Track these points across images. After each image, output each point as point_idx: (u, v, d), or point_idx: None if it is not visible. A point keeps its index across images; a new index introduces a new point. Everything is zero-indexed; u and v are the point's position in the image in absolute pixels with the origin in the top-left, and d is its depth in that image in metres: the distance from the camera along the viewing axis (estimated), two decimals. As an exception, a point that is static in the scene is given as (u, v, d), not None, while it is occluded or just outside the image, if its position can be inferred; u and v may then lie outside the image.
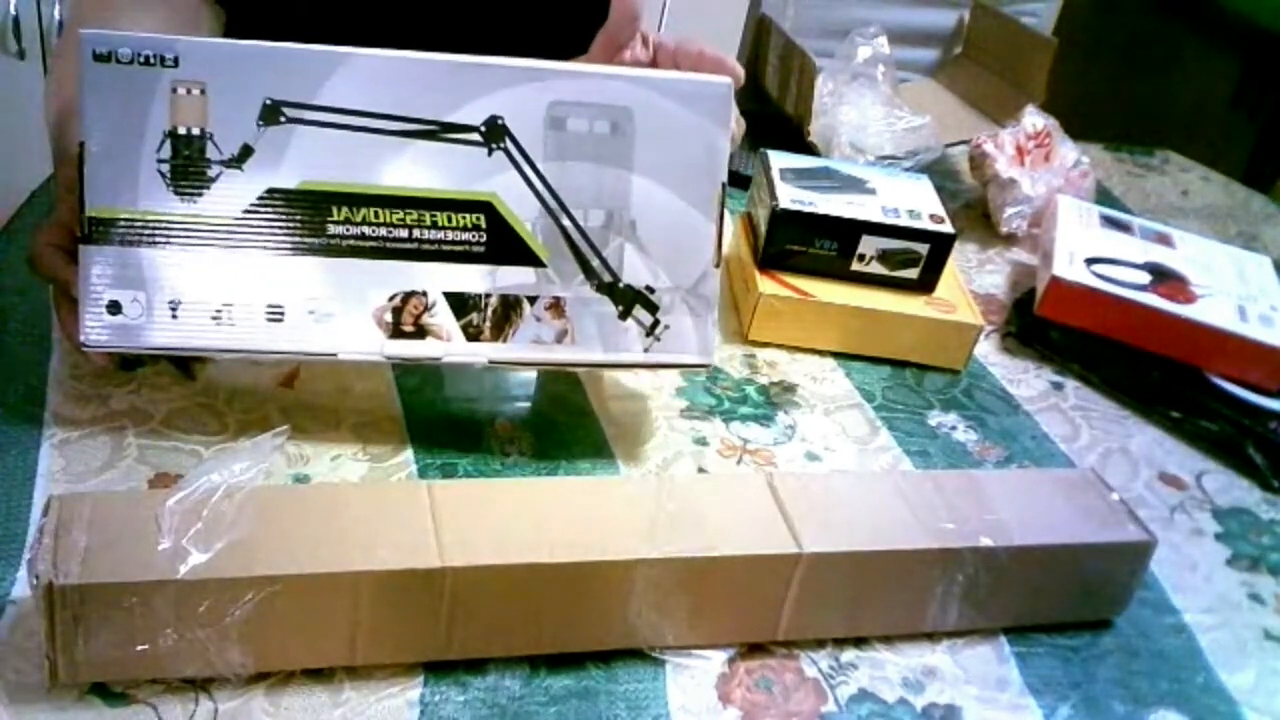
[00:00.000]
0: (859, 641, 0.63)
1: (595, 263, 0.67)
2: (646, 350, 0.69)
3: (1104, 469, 0.81)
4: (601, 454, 0.73)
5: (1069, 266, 0.93)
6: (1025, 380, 0.90)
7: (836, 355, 0.88)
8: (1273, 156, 2.24)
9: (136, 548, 0.52)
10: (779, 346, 0.88)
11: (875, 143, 1.15)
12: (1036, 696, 0.62)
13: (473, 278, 0.66)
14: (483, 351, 0.67)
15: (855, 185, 0.92)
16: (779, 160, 0.94)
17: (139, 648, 0.52)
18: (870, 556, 0.61)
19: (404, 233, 0.65)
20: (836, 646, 0.63)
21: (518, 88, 0.65)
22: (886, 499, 0.64)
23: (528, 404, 0.77)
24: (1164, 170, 1.37)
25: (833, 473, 0.76)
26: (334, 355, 0.66)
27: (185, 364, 0.74)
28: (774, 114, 1.25)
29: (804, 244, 0.88)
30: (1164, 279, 0.94)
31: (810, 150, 1.15)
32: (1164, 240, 1.01)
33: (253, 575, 0.52)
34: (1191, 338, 0.89)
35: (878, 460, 0.78)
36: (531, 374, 0.80)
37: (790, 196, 0.89)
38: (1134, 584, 0.67)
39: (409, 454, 0.70)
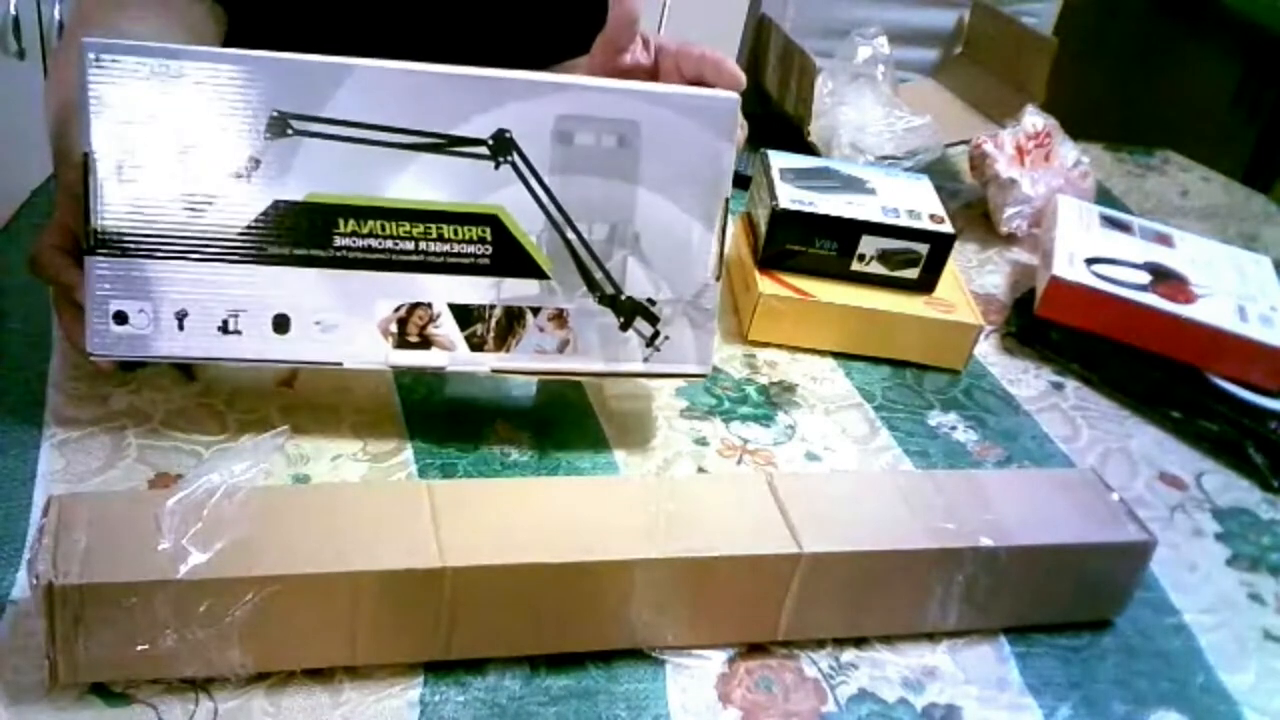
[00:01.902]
0: (859, 641, 0.63)
1: (598, 275, 0.67)
2: (646, 360, 0.69)
3: (1104, 469, 0.81)
4: (601, 454, 0.73)
5: (1069, 266, 0.93)
6: (1025, 380, 0.90)
7: (836, 355, 0.88)
8: (1273, 156, 2.24)
9: (136, 548, 0.52)
10: (779, 346, 0.88)
11: (875, 143, 1.15)
12: (1036, 696, 0.62)
13: (477, 289, 0.66)
14: (486, 361, 0.67)
15: (855, 185, 0.92)
16: (779, 160, 0.94)
17: (139, 648, 0.52)
18: (870, 556, 0.61)
19: (410, 245, 0.65)
20: (836, 646, 0.63)
21: (525, 101, 0.65)
22: (886, 499, 0.64)
23: (528, 404, 0.77)
24: (1164, 170, 1.37)
25: (833, 473, 0.76)
26: (339, 365, 0.66)
27: (186, 365, 0.74)
28: (774, 114, 1.25)
29: (804, 244, 0.88)
30: (1164, 279, 0.94)
31: (810, 150, 1.15)
32: (1164, 240, 1.01)
33: (253, 575, 0.52)
34: (1191, 338, 0.89)
35: (878, 460, 0.78)
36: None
37: (790, 196, 0.89)
38: (1134, 584, 0.67)
39: (409, 454, 0.70)
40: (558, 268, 0.67)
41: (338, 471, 0.68)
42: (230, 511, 0.54)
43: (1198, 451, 0.85)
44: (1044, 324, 0.93)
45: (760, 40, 1.33)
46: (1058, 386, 0.90)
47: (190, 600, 0.51)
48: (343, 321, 0.66)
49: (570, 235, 0.66)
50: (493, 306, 0.67)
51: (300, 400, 0.73)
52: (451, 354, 0.67)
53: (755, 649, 0.62)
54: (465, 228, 0.65)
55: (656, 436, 0.76)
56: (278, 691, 0.55)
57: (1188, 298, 0.92)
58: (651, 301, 0.68)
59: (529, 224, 0.66)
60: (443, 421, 0.74)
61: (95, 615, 0.50)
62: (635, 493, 0.62)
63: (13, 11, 1.67)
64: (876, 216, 0.88)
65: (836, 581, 0.61)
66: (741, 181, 1.04)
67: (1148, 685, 0.64)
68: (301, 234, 0.64)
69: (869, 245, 0.88)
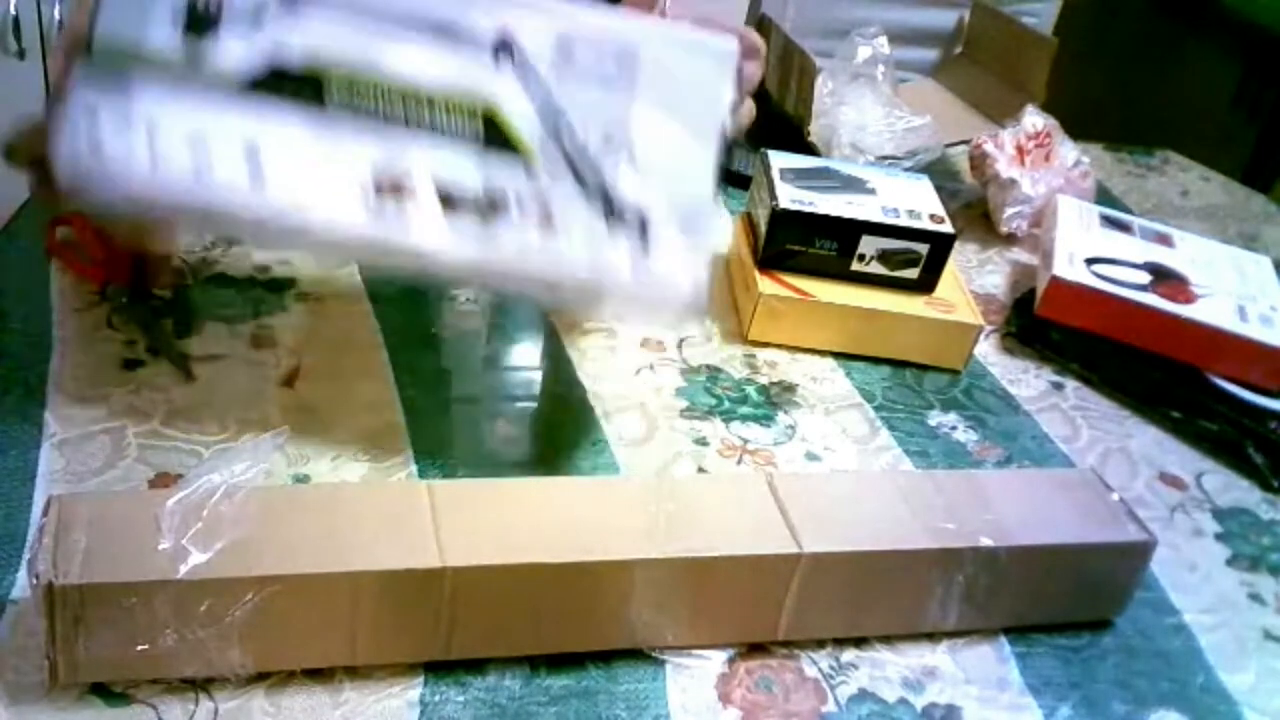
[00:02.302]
0: (859, 641, 0.63)
1: (589, 177, 0.65)
2: (634, 273, 0.65)
3: (1104, 469, 0.81)
4: (601, 454, 0.73)
5: (1069, 266, 0.93)
6: (1025, 380, 0.90)
7: (836, 355, 0.88)
8: (1273, 156, 2.24)
9: (137, 548, 0.52)
10: (779, 346, 0.88)
11: (875, 143, 1.15)
12: (1036, 696, 0.62)
13: (462, 167, 0.64)
14: (463, 250, 0.64)
15: (855, 185, 0.92)
16: (779, 160, 0.94)
17: (139, 648, 0.52)
18: (870, 556, 0.61)
19: (401, 115, 0.64)
20: (836, 646, 0.63)
21: (530, 13, 0.65)
22: (886, 499, 0.64)
23: (528, 404, 0.77)
24: (1164, 170, 1.37)
25: (833, 473, 0.76)
26: (305, 221, 0.63)
27: (185, 363, 0.74)
28: (774, 114, 1.25)
29: (804, 244, 0.88)
30: (1164, 279, 0.94)
31: (810, 150, 1.15)
32: (1164, 240, 1.01)
33: (253, 575, 0.52)
34: (1191, 338, 0.89)
35: (878, 460, 0.78)
36: (532, 374, 0.80)
37: (790, 196, 0.89)
38: (1134, 584, 0.67)
39: (409, 454, 0.70)
40: (549, 164, 0.65)
41: (338, 471, 0.68)
42: (230, 511, 0.54)
43: (1198, 451, 0.85)
44: (1044, 324, 0.93)
45: (760, 40, 1.33)
46: (1058, 386, 0.90)
47: (190, 600, 0.51)
48: (320, 178, 0.63)
49: (565, 140, 0.64)
50: (477, 192, 0.64)
51: (300, 400, 0.73)
52: (425, 236, 0.63)
53: (755, 649, 0.62)
54: (458, 111, 0.64)
55: (656, 436, 0.76)
56: (278, 691, 0.55)
57: (1188, 298, 0.92)
58: (644, 213, 0.65)
59: (522, 122, 0.65)
60: (443, 421, 0.74)
61: (95, 615, 0.50)
62: (635, 493, 0.62)
63: (13, 11, 1.67)
64: (876, 216, 0.88)
65: (836, 581, 0.61)
66: (741, 181, 1.04)
67: (1148, 685, 0.64)
68: (296, 93, 0.63)
69: (869, 245, 0.88)
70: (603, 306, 0.69)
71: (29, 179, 0.67)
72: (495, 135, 0.64)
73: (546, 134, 0.65)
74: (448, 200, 0.63)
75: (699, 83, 0.67)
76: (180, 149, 0.62)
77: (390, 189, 0.63)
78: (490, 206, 0.64)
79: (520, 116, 0.65)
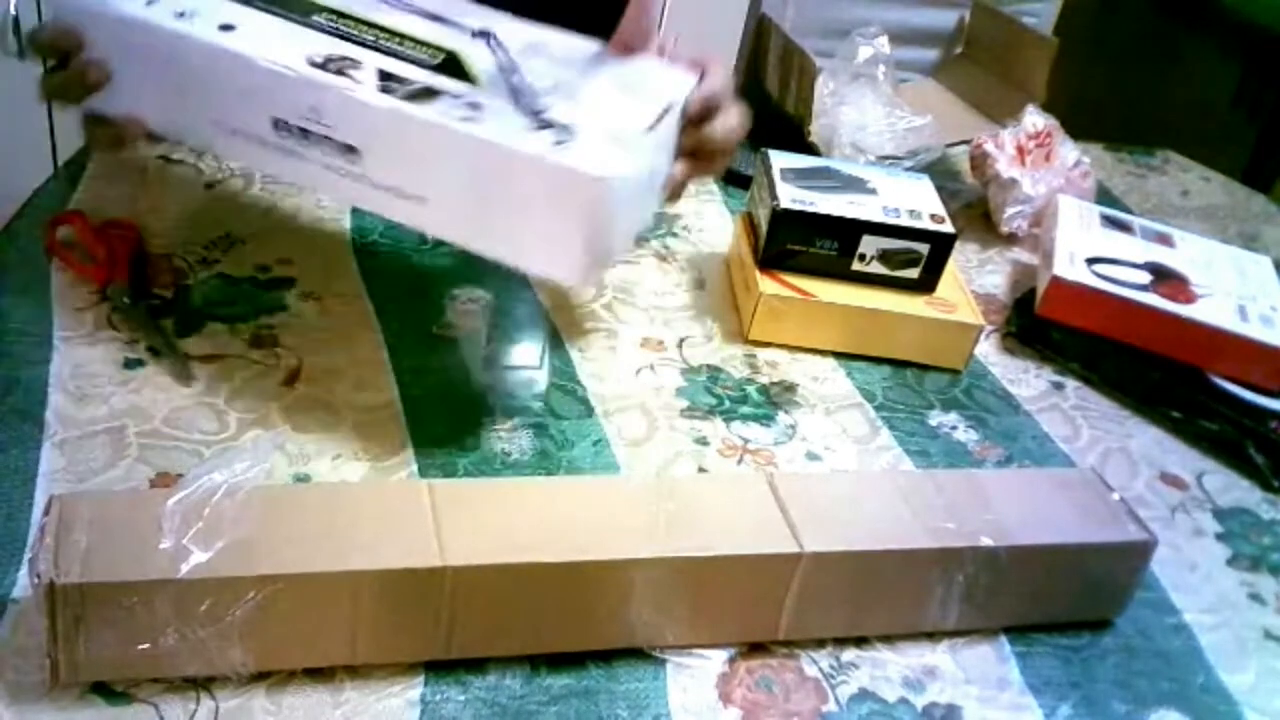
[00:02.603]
0: (859, 641, 0.63)
1: (527, 104, 0.67)
2: (550, 154, 0.64)
3: (1104, 469, 0.81)
4: (601, 454, 0.73)
5: (1070, 266, 0.93)
6: (1025, 380, 0.90)
7: (837, 355, 0.88)
8: (1273, 156, 2.24)
9: (138, 547, 0.52)
10: (779, 346, 0.88)
11: (876, 143, 1.15)
12: (1037, 696, 0.62)
13: (411, 71, 0.68)
14: (387, 100, 0.66)
15: (856, 185, 0.92)
16: (779, 160, 0.94)
17: (140, 647, 0.52)
18: (870, 556, 0.61)
19: (373, 39, 0.70)
20: (837, 646, 0.63)
21: (513, 28, 0.73)
22: (886, 499, 0.64)
23: (528, 404, 0.77)
24: (1164, 170, 1.37)
25: (833, 473, 0.76)
26: (251, 59, 0.67)
27: (185, 363, 0.74)
28: (774, 114, 1.25)
29: (805, 244, 0.88)
30: (1164, 279, 0.94)
31: (810, 150, 1.15)
32: (1164, 240, 1.01)
33: (254, 574, 0.52)
34: (1192, 338, 0.89)
35: (878, 460, 0.78)
36: (533, 375, 0.80)
37: (791, 196, 0.89)
38: (1134, 584, 0.67)
39: (409, 454, 0.70)
40: (492, 90, 0.68)
41: (338, 471, 0.68)
42: (231, 511, 0.54)
43: (1198, 451, 0.85)
44: (1044, 324, 0.93)
45: (760, 40, 1.33)
46: (1058, 386, 0.90)
47: (191, 599, 0.51)
48: (282, 44, 0.69)
49: (515, 80, 0.68)
50: (414, 84, 0.67)
51: (300, 400, 0.73)
52: (359, 86, 0.66)
53: (756, 648, 0.62)
54: (423, 45, 0.70)
55: (656, 436, 0.76)
56: (278, 690, 0.55)
57: (1188, 298, 0.92)
58: (573, 127, 0.65)
59: (479, 67, 0.69)
60: (443, 421, 0.74)
61: (96, 614, 0.51)
62: (635, 493, 0.62)
63: (13, 11, 1.67)
64: (877, 216, 0.88)
65: (837, 581, 0.61)
66: (742, 181, 1.04)
67: (1148, 685, 0.64)
68: (284, 5, 0.71)
69: (870, 245, 0.88)
70: (512, 197, 0.67)
71: (43, 77, 0.71)
72: (451, 68, 0.69)
73: (499, 74, 0.69)
74: (387, 78, 0.68)
75: (652, 83, 0.71)
76: (168, 16, 0.69)
77: (336, 69, 0.67)
78: (425, 93, 0.67)
79: (479, 64, 0.69)
